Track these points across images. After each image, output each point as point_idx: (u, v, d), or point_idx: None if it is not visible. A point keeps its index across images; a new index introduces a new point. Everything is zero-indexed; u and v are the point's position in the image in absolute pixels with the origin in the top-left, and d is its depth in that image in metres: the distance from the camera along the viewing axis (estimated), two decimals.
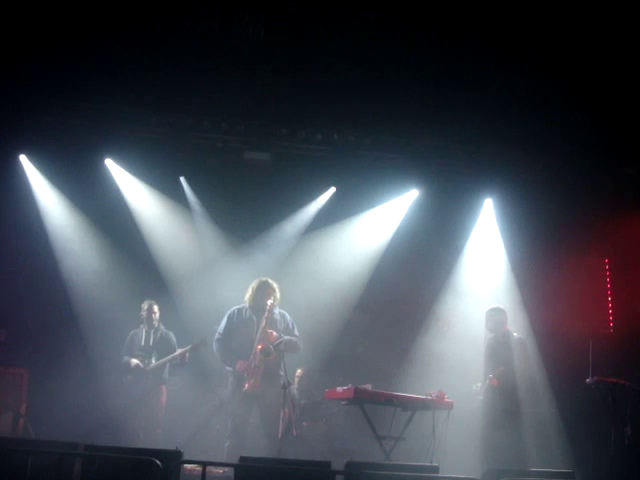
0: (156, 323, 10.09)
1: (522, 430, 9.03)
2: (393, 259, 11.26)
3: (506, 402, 9.03)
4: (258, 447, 8.96)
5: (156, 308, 10.11)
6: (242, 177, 10.99)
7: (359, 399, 8.47)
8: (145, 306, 10.09)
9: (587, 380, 8.84)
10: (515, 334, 9.54)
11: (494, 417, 9.02)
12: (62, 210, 10.94)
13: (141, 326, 10.10)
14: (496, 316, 9.57)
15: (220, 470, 8.49)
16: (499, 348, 9.38)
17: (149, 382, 9.82)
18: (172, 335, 10.14)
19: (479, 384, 9.42)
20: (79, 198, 10.89)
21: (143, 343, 9.98)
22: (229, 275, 10.74)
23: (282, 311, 9.37)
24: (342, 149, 10.76)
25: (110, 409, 9.55)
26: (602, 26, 9.19)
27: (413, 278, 11.21)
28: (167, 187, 11.10)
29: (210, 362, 9.89)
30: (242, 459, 6.84)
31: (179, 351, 9.92)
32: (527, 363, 9.35)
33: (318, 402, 10.19)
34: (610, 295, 11.44)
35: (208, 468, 6.95)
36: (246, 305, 9.32)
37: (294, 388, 10.24)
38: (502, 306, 9.72)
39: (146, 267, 10.86)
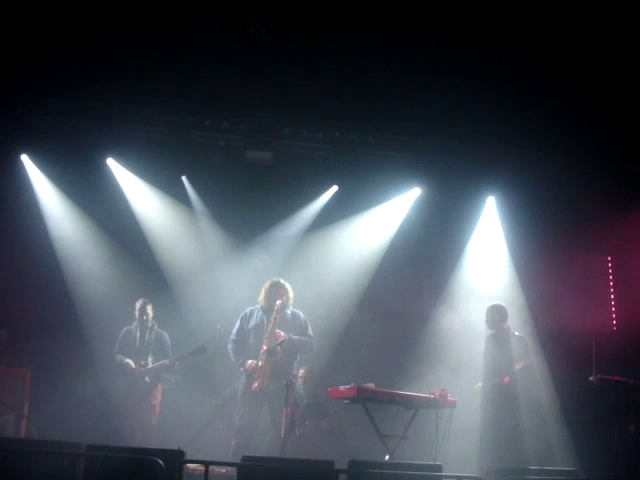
0: (149, 323, 9.93)
1: (523, 427, 9.05)
2: (395, 258, 11.23)
3: (513, 400, 9.02)
4: (262, 446, 8.94)
5: (149, 308, 9.93)
6: (244, 176, 10.97)
7: (362, 398, 8.46)
8: (137, 305, 9.94)
9: (590, 378, 8.86)
10: (516, 333, 9.54)
11: (497, 415, 9.01)
12: (64, 210, 10.91)
13: (134, 324, 9.95)
14: (496, 313, 9.58)
15: (223, 470, 8.46)
16: (498, 345, 9.38)
17: (145, 383, 9.70)
18: (166, 335, 9.98)
19: (480, 384, 9.42)
20: (81, 198, 10.86)
21: (138, 343, 9.83)
22: (231, 274, 10.74)
23: (295, 310, 9.37)
24: (344, 147, 10.76)
25: (111, 409, 9.54)
26: (604, 21, 9.18)
27: (415, 277, 11.19)
28: (169, 186, 11.07)
29: (213, 362, 9.88)
30: (245, 458, 6.86)
31: (173, 358, 9.77)
32: (528, 361, 9.33)
33: (321, 401, 10.17)
34: (613, 293, 11.44)
35: (211, 467, 6.93)
36: (258, 306, 9.35)
37: (299, 386, 10.26)
38: (503, 303, 9.72)
39: (147, 266, 10.83)
